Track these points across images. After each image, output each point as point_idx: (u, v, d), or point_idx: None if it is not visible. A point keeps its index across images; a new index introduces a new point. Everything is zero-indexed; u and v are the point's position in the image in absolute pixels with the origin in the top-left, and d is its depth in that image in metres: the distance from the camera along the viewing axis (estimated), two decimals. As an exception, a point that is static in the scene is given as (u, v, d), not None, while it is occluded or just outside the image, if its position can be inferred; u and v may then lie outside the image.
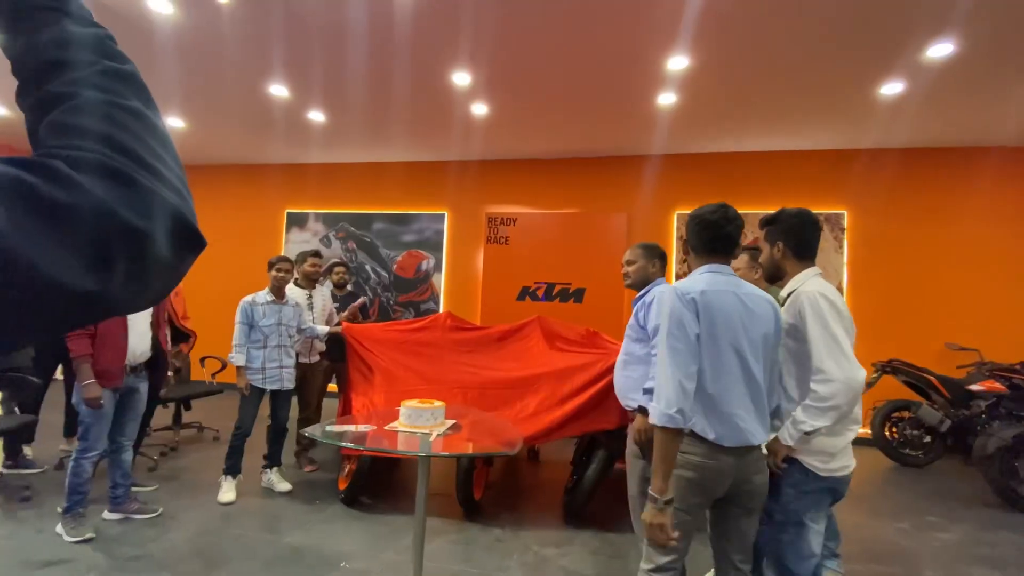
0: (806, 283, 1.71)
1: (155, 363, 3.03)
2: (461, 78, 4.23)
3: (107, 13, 3.50)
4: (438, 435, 2.01)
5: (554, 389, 3.13)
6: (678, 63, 3.82)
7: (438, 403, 2.17)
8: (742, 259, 2.56)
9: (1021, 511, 3.52)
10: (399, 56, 3.92)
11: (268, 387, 3.36)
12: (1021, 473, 3.55)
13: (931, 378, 4.43)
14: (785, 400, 1.68)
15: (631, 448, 2.08)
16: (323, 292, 4.03)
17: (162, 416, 4.57)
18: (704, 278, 1.58)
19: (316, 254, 3.95)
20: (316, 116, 5.23)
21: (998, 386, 4.11)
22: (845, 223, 5.48)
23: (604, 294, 5.94)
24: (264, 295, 3.40)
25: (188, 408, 4.53)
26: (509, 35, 3.60)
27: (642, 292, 2.31)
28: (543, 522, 3.13)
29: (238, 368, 3.31)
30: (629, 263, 2.40)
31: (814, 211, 5.60)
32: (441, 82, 4.31)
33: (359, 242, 6.73)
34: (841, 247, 5.45)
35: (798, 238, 1.79)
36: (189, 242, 0.41)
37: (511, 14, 3.34)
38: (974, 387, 4.24)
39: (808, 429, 1.57)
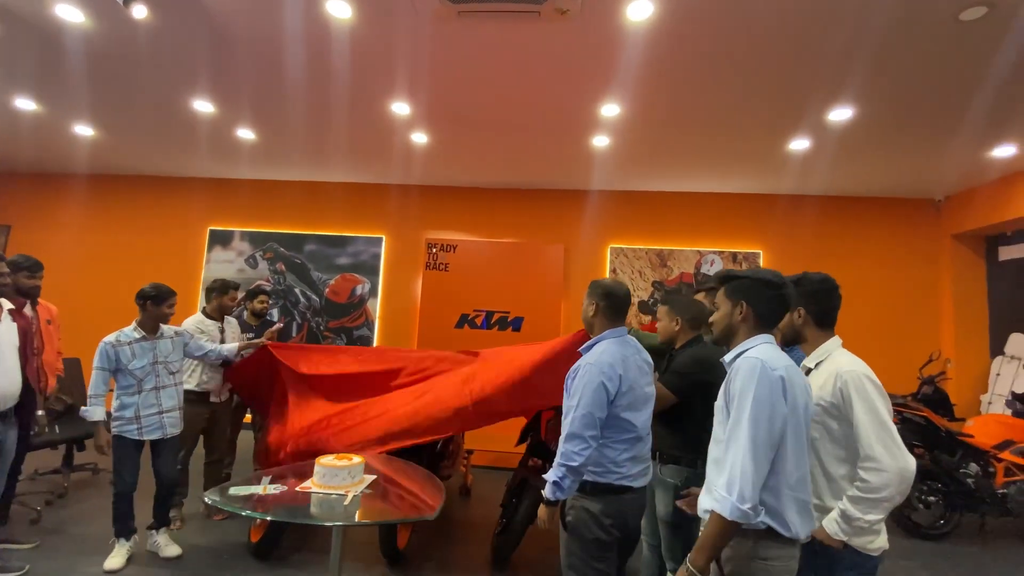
0: (839, 357, 1.65)
1: (22, 403, 2.65)
2: (400, 108, 4.18)
3: (7, 16, 3.19)
4: (355, 496, 1.92)
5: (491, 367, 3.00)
6: (611, 110, 3.98)
7: (356, 459, 2.08)
8: (662, 310, 2.46)
9: (918, 538, 3.83)
10: (336, 82, 3.82)
11: (146, 438, 2.91)
12: (914, 502, 3.87)
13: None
14: (827, 480, 1.60)
15: (560, 522, 1.92)
16: (232, 322, 3.78)
17: (50, 458, 4.09)
18: (771, 350, 1.43)
19: (238, 287, 3.77)
20: (246, 134, 4.99)
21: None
22: (761, 262, 5.87)
23: (541, 323, 5.99)
24: (131, 332, 2.94)
25: (81, 448, 4.08)
26: (447, 72, 3.61)
27: (585, 346, 1.99)
28: (470, 569, 3.06)
29: (96, 425, 2.86)
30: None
31: (732, 250, 5.95)
32: (379, 110, 4.24)
33: (289, 264, 6.44)
34: (759, 284, 5.83)
35: (822, 306, 1.71)
36: None
37: (449, 52, 3.36)
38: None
39: (864, 525, 1.50)
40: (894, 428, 1.53)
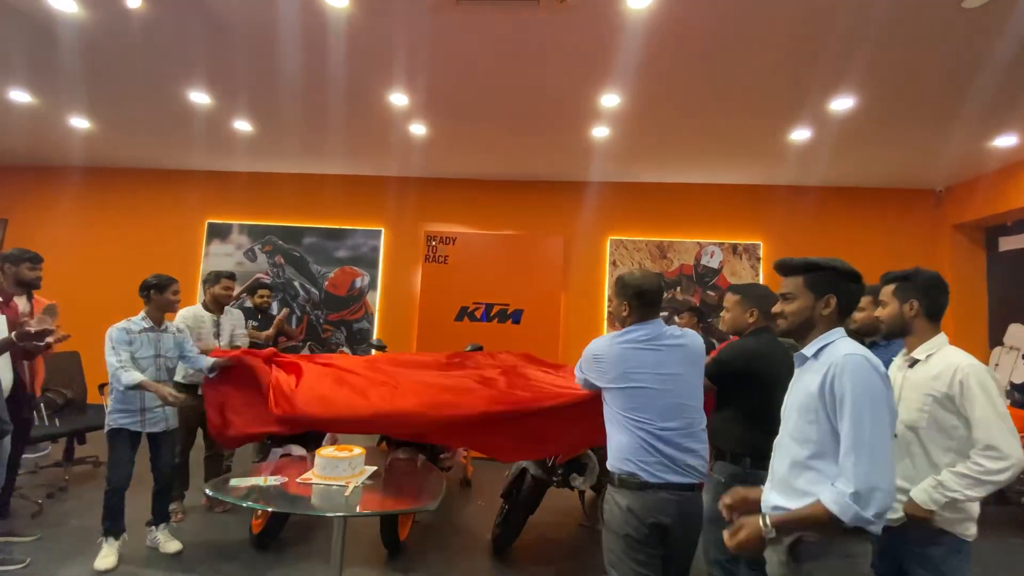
0: (952, 352, 1.71)
1: (16, 395, 2.64)
2: (398, 99, 4.15)
3: (0, 6, 3.15)
4: (355, 487, 1.92)
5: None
6: (610, 100, 3.95)
7: (357, 450, 2.08)
8: (731, 299, 2.32)
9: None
10: (333, 73, 3.79)
11: (148, 430, 2.88)
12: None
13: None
14: (931, 468, 1.64)
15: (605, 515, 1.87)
16: (232, 315, 3.73)
17: (51, 451, 4.10)
18: (858, 345, 1.37)
19: (231, 276, 3.65)
20: (243, 126, 4.95)
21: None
22: (761, 253, 5.86)
23: (541, 315, 5.99)
24: (139, 321, 2.93)
25: (82, 441, 4.09)
26: (445, 62, 3.58)
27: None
28: (471, 561, 3.08)
29: (138, 385, 2.69)
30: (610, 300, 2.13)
31: (733, 241, 5.92)
32: (378, 101, 4.21)
33: (287, 257, 6.42)
34: (757, 275, 5.83)
35: (935, 301, 1.77)
36: None
37: (447, 41, 3.32)
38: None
39: (960, 498, 1.56)
40: (1011, 420, 1.59)
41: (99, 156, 6.15)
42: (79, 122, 5.10)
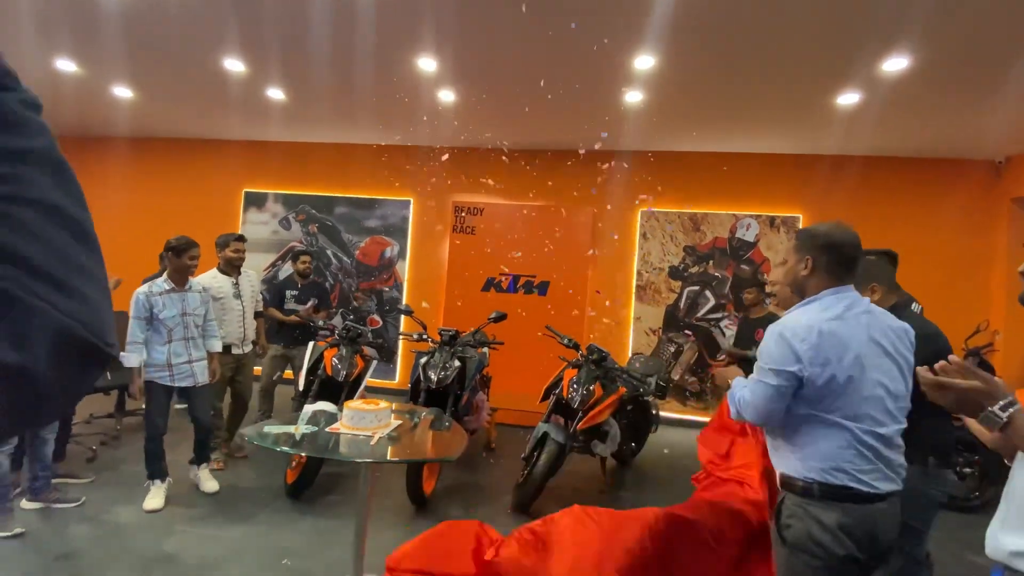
0: None
1: None
2: (427, 64, 4.12)
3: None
4: (381, 437, 1.98)
5: None
6: (644, 62, 3.81)
7: (383, 404, 2.14)
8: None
9: (949, 510, 3.72)
10: (362, 38, 3.77)
11: (178, 384, 3.07)
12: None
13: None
14: None
15: (775, 533, 1.49)
16: (250, 277, 3.86)
17: (104, 403, 4.39)
18: None
19: (240, 238, 3.74)
20: (276, 94, 5.02)
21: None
22: (800, 226, 5.65)
23: (568, 287, 5.97)
24: (162, 283, 3.07)
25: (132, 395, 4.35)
26: (474, 25, 3.51)
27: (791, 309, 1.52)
28: (492, 518, 3.15)
29: (131, 371, 2.98)
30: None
31: (770, 213, 5.65)
32: (406, 67, 4.19)
33: (321, 226, 6.55)
34: (796, 249, 5.63)
35: None
36: (88, 358, 0.35)
37: (475, 4, 3.26)
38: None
39: None
40: None
41: (141, 127, 6.36)
42: (122, 91, 5.27)
